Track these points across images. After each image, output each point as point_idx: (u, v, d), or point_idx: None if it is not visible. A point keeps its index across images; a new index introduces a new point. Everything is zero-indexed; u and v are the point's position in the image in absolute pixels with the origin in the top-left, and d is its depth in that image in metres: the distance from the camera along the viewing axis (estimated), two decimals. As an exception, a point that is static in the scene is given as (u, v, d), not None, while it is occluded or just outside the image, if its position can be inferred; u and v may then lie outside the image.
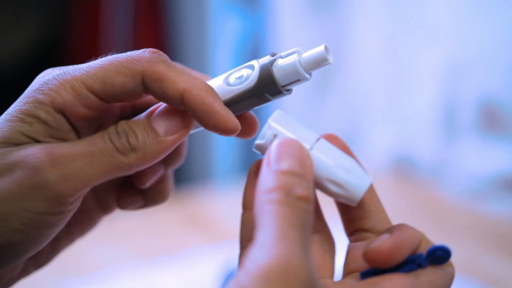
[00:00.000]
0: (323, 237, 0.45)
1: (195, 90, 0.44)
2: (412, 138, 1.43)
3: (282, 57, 0.46)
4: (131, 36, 1.84)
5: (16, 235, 0.42)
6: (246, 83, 0.46)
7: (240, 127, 0.45)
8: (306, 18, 1.56)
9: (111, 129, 0.44)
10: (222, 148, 1.79)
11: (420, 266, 0.43)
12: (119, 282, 0.96)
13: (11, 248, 0.43)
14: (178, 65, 0.45)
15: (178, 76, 0.44)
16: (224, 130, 0.45)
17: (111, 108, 0.47)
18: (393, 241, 0.42)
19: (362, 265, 0.44)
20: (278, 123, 0.44)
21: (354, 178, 0.43)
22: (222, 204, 1.20)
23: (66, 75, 0.44)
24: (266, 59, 0.46)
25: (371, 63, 1.50)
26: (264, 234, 0.37)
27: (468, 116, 1.32)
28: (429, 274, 0.42)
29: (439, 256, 0.42)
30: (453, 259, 0.43)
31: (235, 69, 0.47)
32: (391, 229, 0.43)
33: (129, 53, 0.45)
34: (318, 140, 0.44)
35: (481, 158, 1.29)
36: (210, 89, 0.44)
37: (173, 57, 0.47)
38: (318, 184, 0.44)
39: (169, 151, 0.45)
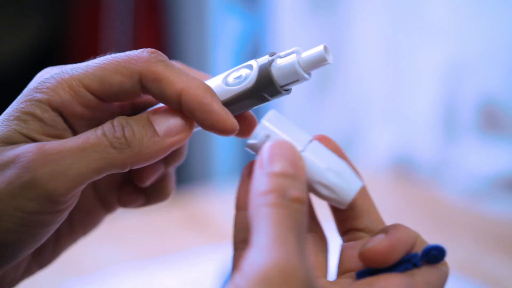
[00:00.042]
0: (317, 237, 0.46)
1: (193, 90, 0.43)
2: (412, 138, 1.43)
3: (281, 57, 0.45)
4: (131, 36, 1.84)
5: (10, 235, 0.42)
6: (244, 83, 0.45)
7: (238, 127, 0.45)
8: (306, 18, 1.56)
9: (107, 124, 0.44)
10: (222, 148, 1.79)
11: (415, 265, 0.43)
12: (119, 282, 0.96)
13: (7, 248, 0.42)
14: (176, 65, 0.45)
15: (176, 76, 0.44)
16: (222, 130, 0.45)
17: (110, 108, 0.47)
18: (389, 241, 0.42)
19: (356, 264, 0.44)
20: (272, 123, 0.44)
21: (344, 182, 0.43)
22: (222, 204, 1.20)
23: (64, 74, 0.44)
24: (264, 59, 0.46)
25: (371, 63, 1.50)
26: (260, 237, 0.37)
27: (468, 116, 1.32)
28: (424, 274, 0.43)
29: (434, 255, 0.43)
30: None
31: (233, 68, 0.47)
32: (386, 229, 0.43)
33: (127, 52, 0.45)
34: (311, 141, 0.44)
35: (481, 158, 1.29)
36: (208, 89, 0.44)
37: (173, 57, 0.47)
38: (309, 186, 0.44)
39: (167, 153, 0.45)
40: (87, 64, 0.44)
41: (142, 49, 0.45)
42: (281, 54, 0.46)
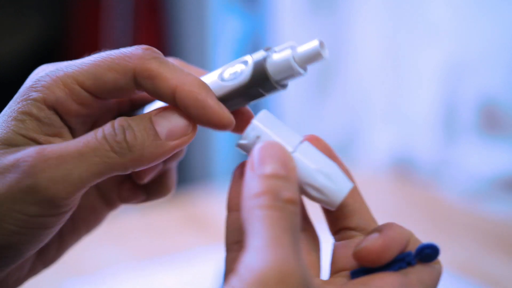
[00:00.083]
0: (309, 236, 0.46)
1: (187, 87, 0.43)
2: (412, 139, 1.43)
3: (276, 52, 0.45)
4: (131, 36, 1.84)
5: (14, 237, 0.42)
6: (240, 79, 0.45)
7: (234, 122, 0.44)
8: (306, 18, 1.56)
9: (108, 126, 0.43)
10: (222, 149, 1.79)
11: (409, 264, 0.43)
12: (119, 283, 0.96)
13: (10, 249, 0.43)
14: (170, 62, 0.44)
15: (170, 72, 0.43)
16: (218, 126, 0.44)
17: (106, 104, 0.47)
18: (383, 240, 0.42)
19: (349, 263, 0.44)
20: (262, 123, 0.44)
21: (334, 183, 0.43)
22: (222, 204, 1.19)
23: (59, 71, 0.44)
24: (260, 54, 0.45)
25: (371, 63, 1.50)
26: (256, 239, 0.37)
27: (468, 116, 1.32)
28: (418, 272, 0.43)
29: (428, 254, 0.43)
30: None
31: (229, 64, 0.46)
32: (380, 228, 0.44)
33: (122, 49, 0.44)
34: (301, 142, 0.44)
35: (481, 159, 1.29)
36: (203, 84, 0.44)
37: (172, 54, 0.47)
38: (299, 188, 0.43)
39: (165, 157, 0.44)
40: (81, 62, 0.44)
41: (136, 46, 0.44)
42: (276, 49, 0.45)
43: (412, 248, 0.43)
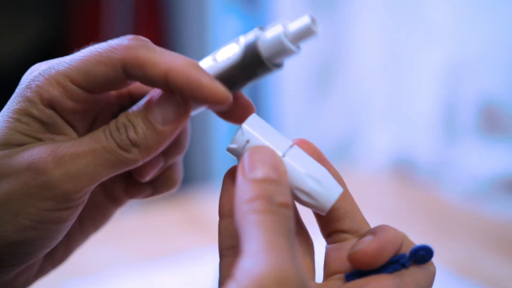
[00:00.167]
0: (302, 239, 0.45)
1: (178, 68, 0.43)
2: (412, 139, 1.43)
3: (268, 30, 0.45)
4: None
5: (28, 232, 0.43)
6: (232, 58, 0.45)
7: (231, 97, 0.44)
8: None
9: (112, 124, 0.44)
10: (222, 149, 1.79)
11: (403, 266, 0.43)
12: (119, 283, 0.96)
13: (24, 245, 0.43)
14: (158, 48, 0.44)
15: (159, 57, 0.43)
16: (215, 102, 0.44)
17: (103, 99, 0.47)
18: (378, 242, 0.42)
19: (343, 266, 0.44)
20: (252, 127, 0.44)
21: (324, 188, 0.43)
22: (222, 205, 1.20)
23: (51, 70, 0.44)
24: (252, 33, 0.45)
25: (371, 63, 1.50)
26: (252, 244, 0.37)
27: (468, 117, 1.32)
28: (412, 274, 0.43)
29: (422, 255, 0.43)
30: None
31: (223, 46, 0.46)
32: (373, 231, 0.44)
33: (109, 41, 0.44)
34: (291, 146, 0.44)
35: (481, 159, 1.29)
36: (193, 63, 0.44)
37: (172, 49, 0.46)
38: None
39: (171, 140, 0.45)
40: (71, 58, 0.44)
41: (123, 37, 0.45)
42: (269, 27, 0.45)
43: (406, 250, 0.43)
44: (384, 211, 1.19)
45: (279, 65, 0.45)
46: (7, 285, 0.46)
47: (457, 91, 1.33)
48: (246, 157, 0.41)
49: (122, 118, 0.44)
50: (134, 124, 0.44)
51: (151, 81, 0.44)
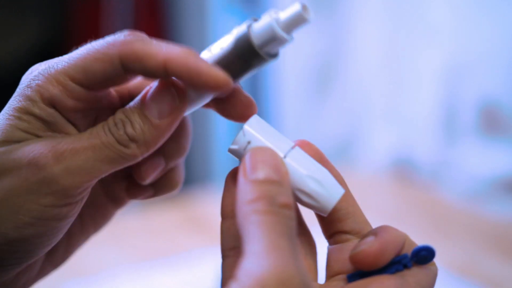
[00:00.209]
0: (304, 240, 0.46)
1: (176, 57, 0.43)
2: (412, 140, 1.43)
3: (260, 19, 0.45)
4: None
5: (28, 229, 0.43)
6: (225, 48, 0.45)
7: (231, 82, 0.44)
8: (306, 18, 1.56)
9: (110, 120, 0.45)
10: (222, 150, 1.79)
11: (405, 266, 0.43)
12: (119, 284, 0.96)
13: (24, 243, 0.43)
14: (154, 40, 0.45)
15: (155, 49, 0.43)
16: (215, 87, 0.43)
17: (104, 97, 0.47)
18: (379, 243, 0.42)
19: (345, 267, 0.44)
20: (253, 128, 0.44)
21: (325, 189, 0.43)
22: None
23: (51, 69, 0.44)
24: (244, 23, 0.45)
25: (371, 64, 1.50)
26: (254, 245, 0.37)
27: (468, 117, 1.32)
28: (414, 274, 0.43)
29: (424, 256, 0.43)
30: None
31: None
32: (375, 232, 0.44)
33: (106, 38, 0.45)
34: (292, 148, 0.44)
35: (481, 160, 1.29)
36: (191, 52, 0.44)
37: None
38: None
39: (169, 133, 0.45)
40: (69, 56, 0.45)
41: (119, 32, 0.45)
42: (262, 17, 0.45)
43: (408, 251, 0.43)
44: (384, 211, 1.19)
45: (273, 55, 0.45)
46: (8, 285, 0.46)
47: (457, 92, 1.33)
48: (247, 158, 0.41)
49: (119, 114, 0.45)
50: (131, 119, 0.44)
51: (150, 73, 0.44)
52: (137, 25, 1.85)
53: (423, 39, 1.37)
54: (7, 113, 0.44)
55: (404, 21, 1.41)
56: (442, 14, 1.33)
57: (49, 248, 0.45)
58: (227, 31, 0.45)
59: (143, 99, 0.45)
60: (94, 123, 0.47)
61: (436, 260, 0.44)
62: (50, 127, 0.44)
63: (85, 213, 0.50)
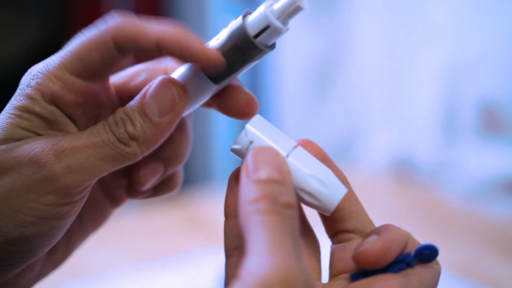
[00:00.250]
0: (308, 240, 0.46)
1: (168, 35, 0.44)
2: (413, 140, 1.43)
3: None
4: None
5: (28, 228, 0.43)
6: (221, 40, 0.45)
7: (222, 59, 0.44)
8: (306, 18, 1.56)
9: (110, 119, 0.45)
10: (222, 150, 1.79)
11: (409, 265, 0.43)
12: (119, 284, 0.96)
13: (24, 242, 0.43)
14: (145, 20, 0.45)
15: (147, 28, 0.44)
16: (206, 62, 0.44)
17: (103, 91, 0.48)
18: (383, 242, 0.42)
19: (348, 266, 0.44)
20: (256, 128, 0.44)
21: (328, 189, 0.43)
22: (222, 206, 1.20)
23: (48, 66, 0.45)
24: (240, 15, 0.45)
25: (371, 64, 1.50)
26: (257, 244, 0.37)
27: (468, 118, 1.32)
28: (418, 273, 0.43)
29: (427, 254, 0.43)
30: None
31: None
32: (378, 230, 0.43)
33: (97, 25, 0.45)
34: (295, 147, 0.44)
35: (481, 160, 1.29)
36: (182, 29, 0.45)
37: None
38: None
39: (170, 131, 0.45)
40: (65, 51, 0.45)
41: (110, 16, 0.46)
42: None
43: (411, 249, 0.43)
44: (384, 211, 1.19)
45: (270, 46, 0.45)
46: (8, 285, 0.46)
47: (457, 92, 1.33)
48: (249, 158, 0.41)
49: (119, 112, 0.45)
50: (131, 118, 0.45)
51: (145, 52, 0.44)
52: (137, 25, 1.85)
53: (423, 39, 1.37)
54: (7, 112, 0.44)
55: (404, 21, 1.41)
56: (442, 14, 1.33)
57: (49, 247, 0.45)
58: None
59: (143, 98, 0.45)
60: (94, 122, 0.47)
61: (436, 259, 0.44)
62: (51, 125, 0.45)
63: (84, 212, 0.50)
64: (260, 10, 0.44)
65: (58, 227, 0.44)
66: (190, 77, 0.46)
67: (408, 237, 0.44)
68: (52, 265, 0.51)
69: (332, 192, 0.43)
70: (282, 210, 0.38)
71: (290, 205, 0.39)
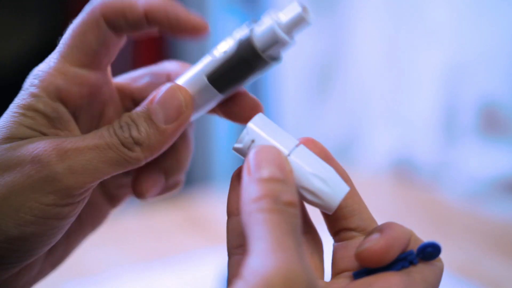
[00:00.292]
0: (310, 238, 0.46)
1: (155, 6, 0.45)
2: (413, 140, 1.43)
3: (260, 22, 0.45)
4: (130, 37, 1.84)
5: (29, 228, 0.43)
6: (228, 51, 0.45)
7: (208, 25, 0.46)
8: (306, 19, 1.56)
9: (116, 123, 0.45)
10: (222, 150, 1.79)
11: (411, 263, 0.43)
12: (119, 285, 0.96)
13: (24, 241, 0.43)
14: None
15: (134, 1, 0.45)
16: (193, 31, 0.46)
17: (104, 83, 0.48)
18: (385, 240, 0.42)
19: (351, 264, 0.44)
20: (258, 126, 0.44)
21: (330, 188, 0.43)
22: (222, 206, 1.20)
23: (49, 63, 0.45)
24: (245, 26, 0.45)
25: (371, 64, 1.50)
26: (259, 243, 0.37)
27: (468, 118, 1.32)
28: (420, 271, 0.43)
29: (430, 252, 0.43)
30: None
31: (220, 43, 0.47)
32: (380, 228, 0.43)
33: (84, 9, 0.46)
34: (297, 145, 0.44)
35: (481, 160, 1.29)
36: (168, 0, 0.46)
37: (173, 58, 0.47)
38: None
39: (174, 138, 0.46)
40: (61, 44, 0.46)
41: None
42: (262, 19, 0.45)
43: (413, 247, 0.43)
44: (384, 212, 1.19)
45: (276, 58, 0.45)
46: (8, 285, 0.46)
47: (457, 92, 1.33)
48: (251, 157, 0.41)
49: (125, 117, 0.45)
50: (137, 123, 0.45)
51: (134, 25, 0.45)
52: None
53: (423, 39, 1.37)
54: (11, 111, 0.45)
55: (404, 21, 1.41)
56: (442, 14, 1.33)
57: (49, 247, 0.46)
58: (227, 31, 0.46)
59: (149, 104, 0.46)
60: (96, 122, 0.48)
61: (435, 260, 0.44)
62: (54, 124, 0.45)
63: (83, 212, 0.50)
64: (268, 23, 0.44)
65: (58, 227, 0.44)
66: (196, 86, 0.46)
67: (410, 235, 0.44)
68: (51, 265, 0.51)
69: (334, 190, 0.43)
70: (284, 209, 0.39)
71: (292, 204, 0.39)
